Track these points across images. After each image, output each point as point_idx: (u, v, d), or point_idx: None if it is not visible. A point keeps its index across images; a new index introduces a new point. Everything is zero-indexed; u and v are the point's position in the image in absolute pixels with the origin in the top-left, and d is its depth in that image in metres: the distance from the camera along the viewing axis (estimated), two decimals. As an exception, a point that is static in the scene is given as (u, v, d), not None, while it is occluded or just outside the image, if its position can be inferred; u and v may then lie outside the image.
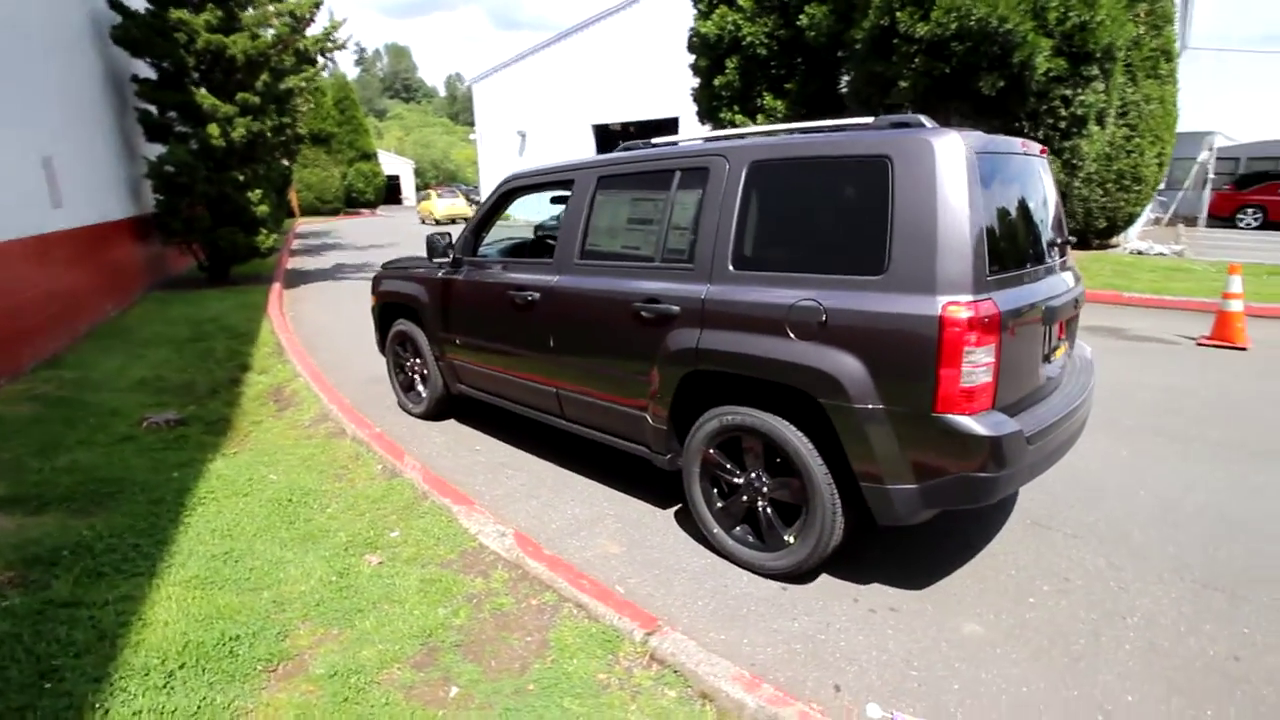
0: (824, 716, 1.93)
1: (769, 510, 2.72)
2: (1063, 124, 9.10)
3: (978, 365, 2.16)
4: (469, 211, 28.54)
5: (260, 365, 6.09)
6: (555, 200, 4.33)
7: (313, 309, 9.31)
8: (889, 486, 2.34)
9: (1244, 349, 6.11)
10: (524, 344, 3.65)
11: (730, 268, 2.68)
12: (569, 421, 3.58)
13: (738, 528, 2.86)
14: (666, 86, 21.77)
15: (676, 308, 2.82)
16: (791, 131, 2.87)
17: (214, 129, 9.23)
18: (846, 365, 2.33)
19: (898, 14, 8.70)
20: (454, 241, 4.07)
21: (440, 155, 59.91)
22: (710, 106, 12.49)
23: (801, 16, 10.49)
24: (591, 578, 2.63)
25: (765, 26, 11.09)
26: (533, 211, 4.67)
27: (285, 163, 13.81)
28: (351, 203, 37.05)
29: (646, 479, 3.68)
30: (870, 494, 2.40)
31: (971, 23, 8.13)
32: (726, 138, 2.96)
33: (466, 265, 4.05)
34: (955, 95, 9.07)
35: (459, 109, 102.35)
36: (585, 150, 25.73)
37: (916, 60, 8.80)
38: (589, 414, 3.42)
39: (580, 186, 3.39)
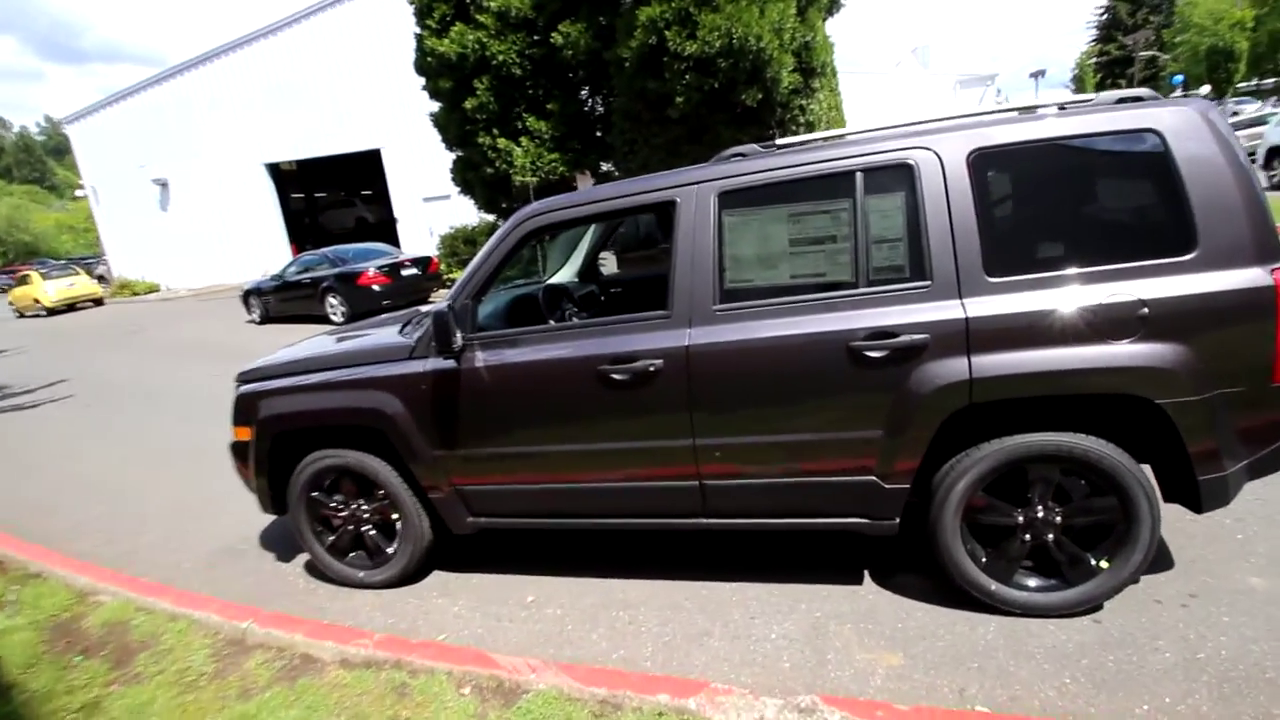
0: None
1: (1064, 541, 2.38)
2: (801, 130, 10.57)
3: (1301, 328, 2.15)
4: (99, 291, 21.41)
5: (-34, 602, 3.40)
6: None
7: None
8: (1227, 471, 2.21)
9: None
10: (632, 434, 2.63)
11: (986, 277, 2.25)
12: (713, 519, 2.70)
13: (1016, 574, 2.46)
14: (361, 115, 19.20)
15: (924, 335, 2.27)
16: (974, 115, 2.53)
17: None
18: (1181, 357, 2.12)
19: (666, 33, 9.01)
20: (447, 318, 2.70)
21: (2, 223, 43.57)
22: (463, 131, 11.38)
23: (555, 35, 10.18)
24: (979, 711, 1.96)
25: (516, 45, 10.50)
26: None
27: None
28: None
29: (788, 559, 3.00)
30: (1206, 484, 2.23)
31: (733, 41, 8.86)
32: (903, 126, 2.47)
33: (480, 347, 2.76)
34: (720, 108, 9.85)
35: (10, 162, 77.06)
36: (259, 196, 21.31)
37: (688, 76, 9.26)
38: (760, 499, 2.60)
39: (690, 210, 2.53)
